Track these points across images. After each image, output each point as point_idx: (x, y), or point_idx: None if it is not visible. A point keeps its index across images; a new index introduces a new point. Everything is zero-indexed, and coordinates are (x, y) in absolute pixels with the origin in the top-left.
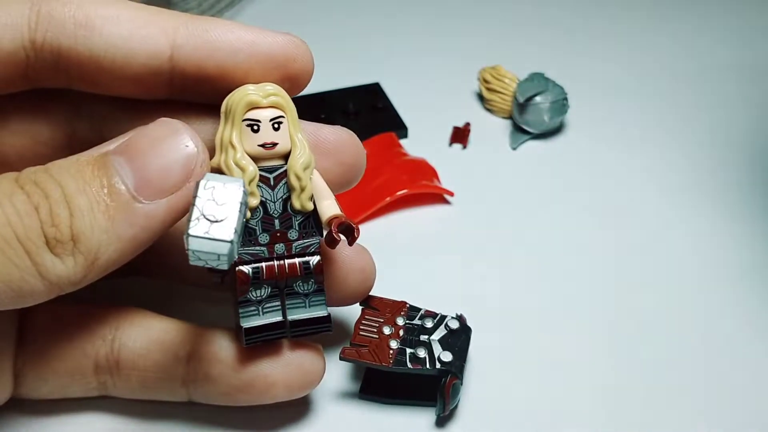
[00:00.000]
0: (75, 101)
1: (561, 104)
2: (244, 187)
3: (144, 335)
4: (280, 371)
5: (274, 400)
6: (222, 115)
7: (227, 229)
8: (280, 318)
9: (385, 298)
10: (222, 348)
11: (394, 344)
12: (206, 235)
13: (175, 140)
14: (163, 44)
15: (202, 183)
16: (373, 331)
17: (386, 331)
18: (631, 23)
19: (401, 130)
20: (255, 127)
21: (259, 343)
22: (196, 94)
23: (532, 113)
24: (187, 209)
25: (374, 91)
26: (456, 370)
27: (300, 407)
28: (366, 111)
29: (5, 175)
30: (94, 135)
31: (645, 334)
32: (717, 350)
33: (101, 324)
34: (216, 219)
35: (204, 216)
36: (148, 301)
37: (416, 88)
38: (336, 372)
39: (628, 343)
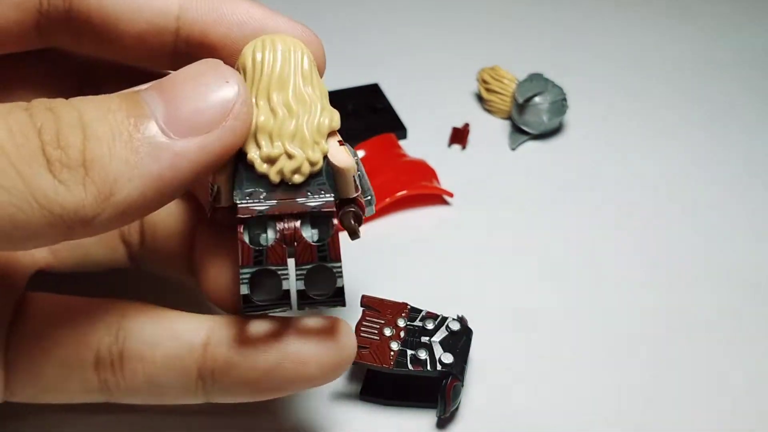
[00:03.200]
0: (82, 75)
1: (560, 105)
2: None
3: (153, 324)
4: (312, 348)
5: (305, 385)
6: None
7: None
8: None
9: (386, 300)
10: (243, 330)
11: (395, 346)
12: None
13: (213, 75)
14: (171, 2)
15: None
16: (374, 333)
17: (387, 332)
18: (629, 23)
19: (400, 130)
20: None
21: (257, 314)
22: None
23: (531, 114)
24: (222, 153)
25: (373, 92)
26: (457, 371)
27: (300, 408)
28: (365, 112)
29: (13, 102)
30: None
31: (646, 335)
32: (719, 351)
33: (106, 312)
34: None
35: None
36: (158, 299)
37: (415, 88)
38: None
39: (629, 343)
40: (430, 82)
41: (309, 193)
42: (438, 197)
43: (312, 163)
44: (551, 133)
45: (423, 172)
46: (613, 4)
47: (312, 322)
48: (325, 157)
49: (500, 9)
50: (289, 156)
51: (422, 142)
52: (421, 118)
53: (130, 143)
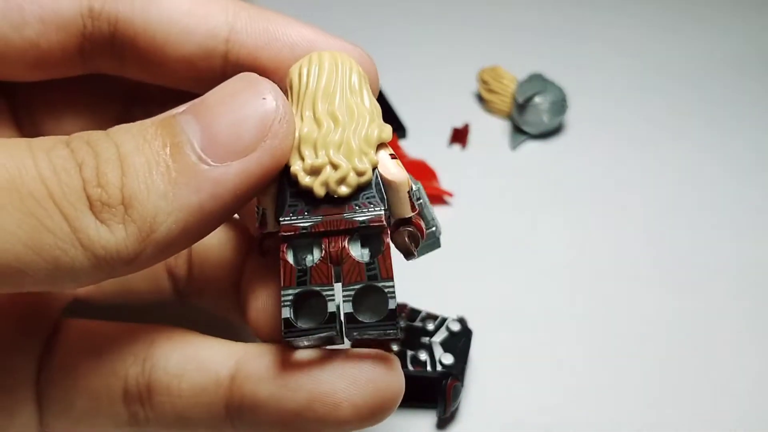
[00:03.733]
0: (130, 98)
1: (560, 105)
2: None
3: (179, 352)
4: (347, 388)
5: (339, 428)
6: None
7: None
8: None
9: None
10: (273, 364)
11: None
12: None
13: (250, 93)
14: (221, 23)
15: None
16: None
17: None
18: (629, 23)
19: (400, 131)
20: None
21: (302, 343)
22: None
23: (531, 114)
24: (264, 175)
25: None
26: (457, 372)
27: None
28: None
29: (56, 136)
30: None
31: (646, 335)
32: (719, 352)
33: (134, 340)
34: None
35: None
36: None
37: (415, 89)
38: None
39: (629, 344)
40: (430, 82)
41: (357, 207)
42: (438, 197)
43: (359, 173)
44: (551, 133)
45: (423, 172)
46: (613, 4)
47: (348, 359)
48: (375, 169)
49: (500, 9)
50: (334, 166)
51: (422, 142)
52: (421, 118)
53: (167, 174)
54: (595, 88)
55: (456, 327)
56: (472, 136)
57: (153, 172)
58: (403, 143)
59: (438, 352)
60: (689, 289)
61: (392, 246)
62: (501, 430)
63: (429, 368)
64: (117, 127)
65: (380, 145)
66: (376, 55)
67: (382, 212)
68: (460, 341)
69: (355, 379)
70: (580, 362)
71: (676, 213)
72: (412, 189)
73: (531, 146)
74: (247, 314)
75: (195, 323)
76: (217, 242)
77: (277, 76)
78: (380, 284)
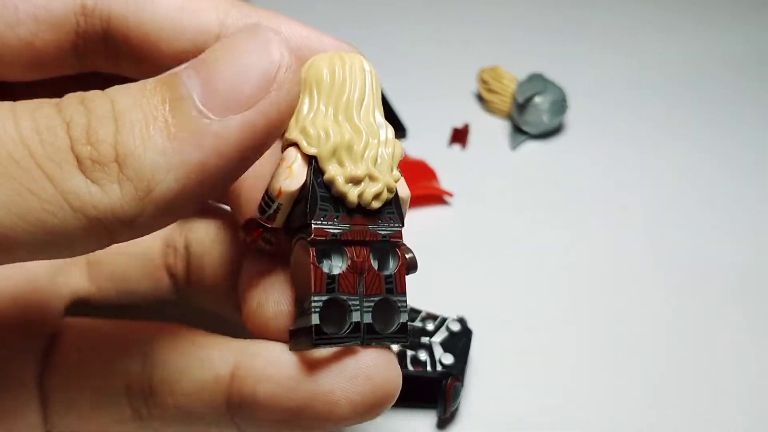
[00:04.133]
0: None
1: (560, 105)
2: None
3: (180, 350)
4: (345, 386)
5: (338, 424)
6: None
7: None
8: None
9: None
10: (271, 362)
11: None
12: None
13: (253, 43)
14: (213, 20)
15: None
16: None
17: None
18: (629, 23)
19: (400, 131)
20: None
21: (328, 346)
22: None
23: (531, 114)
24: (269, 130)
25: None
26: (457, 372)
27: None
28: None
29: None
30: None
31: (646, 336)
32: (719, 352)
33: (136, 338)
34: None
35: None
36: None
37: (415, 89)
38: None
39: (628, 344)
40: (430, 82)
41: (380, 221)
42: (438, 197)
43: (390, 190)
44: (551, 133)
45: (423, 172)
46: (613, 4)
47: (346, 357)
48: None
49: (500, 9)
50: (372, 178)
51: (422, 142)
52: (421, 118)
53: (166, 130)
54: (595, 88)
55: (456, 327)
56: (472, 136)
57: (150, 128)
58: (403, 143)
59: (438, 352)
60: (689, 289)
61: None
62: (501, 430)
63: (429, 368)
64: (115, 86)
65: None
66: (376, 55)
67: (401, 228)
68: (460, 341)
69: (353, 376)
70: (580, 362)
71: (675, 213)
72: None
73: (531, 146)
74: (246, 313)
75: (194, 322)
76: (215, 239)
77: None
78: (395, 298)
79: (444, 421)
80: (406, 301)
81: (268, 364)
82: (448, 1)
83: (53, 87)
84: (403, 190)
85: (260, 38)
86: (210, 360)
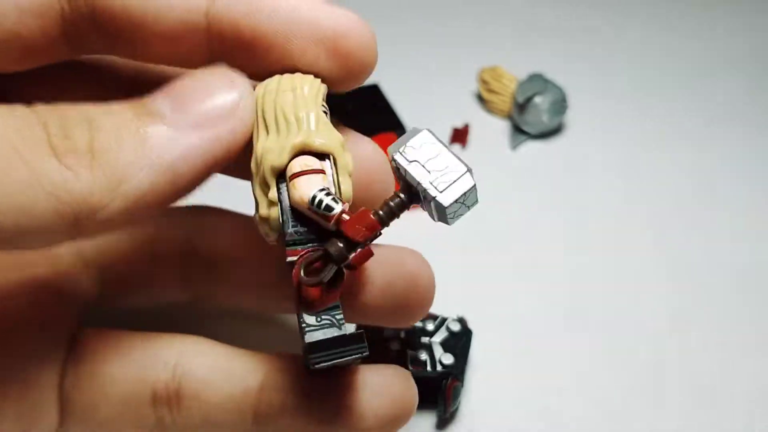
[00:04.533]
0: (129, 90)
1: (560, 105)
2: (427, 130)
3: (210, 361)
4: (368, 400)
5: None
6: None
7: (460, 169)
8: (345, 331)
9: None
10: (299, 377)
11: (394, 346)
12: (454, 195)
13: (219, 77)
14: None
15: (398, 158)
16: (373, 334)
17: (386, 333)
18: (629, 24)
19: (400, 130)
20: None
21: (327, 366)
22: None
23: (531, 114)
24: (232, 147)
25: (373, 92)
26: (457, 372)
27: None
28: (365, 112)
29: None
30: None
31: (646, 337)
32: (724, 353)
33: (163, 347)
34: (440, 169)
35: (433, 185)
36: (215, 334)
37: (415, 89)
38: None
39: (629, 345)
40: (430, 82)
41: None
42: None
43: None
44: (551, 133)
45: None
46: (613, 4)
47: (366, 373)
48: None
49: (500, 9)
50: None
51: None
52: (422, 118)
53: (137, 135)
54: (595, 88)
55: (456, 327)
56: (472, 136)
57: (123, 132)
58: None
59: (438, 352)
60: (691, 289)
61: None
62: (501, 430)
63: (429, 368)
64: (86, 103)
65: None
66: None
67: (293, 247)
68: (460, 341)
69: (377, 391)
70: (581, 362)
71: (676, 212)
72: None
73: (531, 146)
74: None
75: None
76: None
77: (262, 47)
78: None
79: (444, 420)
80: (310, 318)
81: (297, 379)
82: (449, 1)
83: (50, 78)
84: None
85: (227, 74)
86: (240, 371)
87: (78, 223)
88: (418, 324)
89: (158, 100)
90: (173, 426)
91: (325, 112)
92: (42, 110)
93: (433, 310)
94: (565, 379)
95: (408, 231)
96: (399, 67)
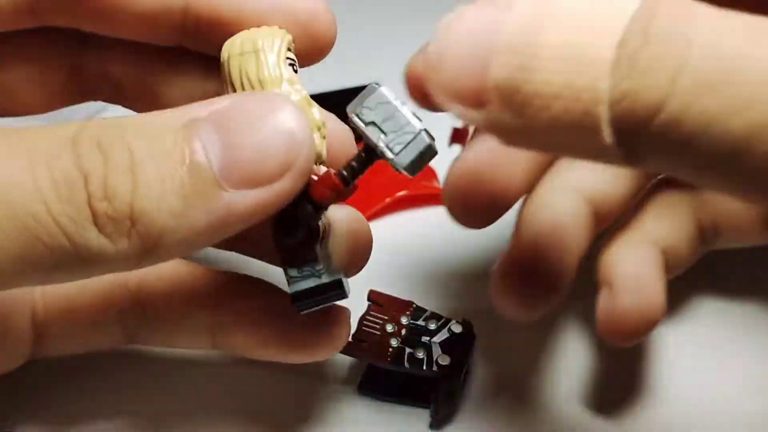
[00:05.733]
0: (83, 50)
1: None
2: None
3: (172, 272)
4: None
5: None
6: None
7: (413, 129)
8: (324, 280)
9: (393, 296)
10: (253, 293)
11: (394, 342)
12: (409, 156)
13: (278, 118)
14: None
15: (355, 120)
16: (376, 328)
17: (389, 328)
18: None
19: None
20: (295, 68)
21: (312, 311)
22: (208, 44)
23: None
24: (279, 205)
25: None
26: (453, 374)
27: (298, 401)
28: None
29: (67, 126)
30: (101, 75)
31: (651, 338)
32: (723, 355)
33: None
34: (395, 130)
35: (389, 147)
36: None
37: None
38: (339, 365)
39: (631, 348)
40: None
41: None
42: (438, 198)
43: None
44: None
45: (423, 172)
46: None
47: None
48: None
49: None
50: None
51: None
52: (421, 118)
53: (181, 191)
54: None
55: (458, 329)
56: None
57: (167, 187)
58: None
59: (436, 352)
60: (693, 289)
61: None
62: None
63: (425, 367)
64: (133, 121)
65: None
66: (375, 55)
67: None
68: (461, 344)
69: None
70: (582, 368)
71: None
72: None
73: None
74: None
75: None
76: None
77: (238, 28)
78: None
79: (438, 422)
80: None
81: (250, 295)
82: (449, 2)
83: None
84: None
85: (282, 113)
86: (198, 284)
87: (98, 273)
88: (421, 323)
89: (208, 137)
90: (138, 330)
91: (291, 64)
92: (86, 151)
93: (441, 311)
94: (565, 384)
95: (408, 233)
96: (399, 66)
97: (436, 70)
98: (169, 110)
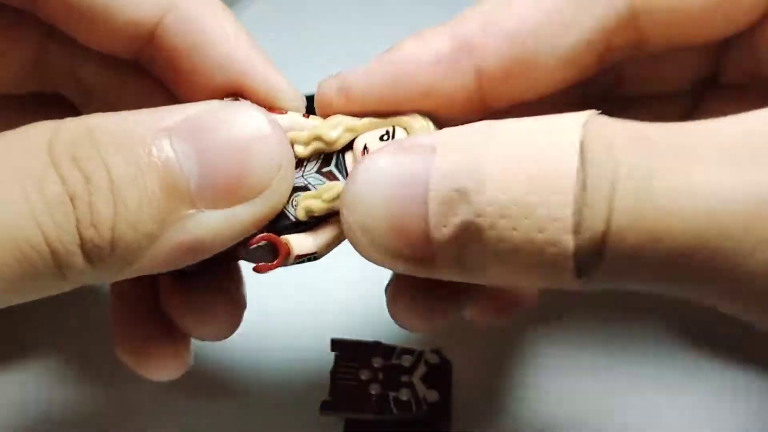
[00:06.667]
0: (45, 38)
1: None
2: None
3: None
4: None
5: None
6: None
7: None
8: None
9: (357, 340)
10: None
11: (374, 389)
12: None
13: (254, 133)
14: (149, 14)
15: None
16: (350, 378)
17: (363, 375)
18: None
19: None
20: None
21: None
22: (161, 72)
23: None
24: (254, 226)
25: None
26: (443, 408)
27: None
28: None
29: (35, 131)
30: (66, 71)
31: (647, 348)
32: (725, 355)
33: None
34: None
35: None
36: None
37: None
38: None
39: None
40: None
41: None
42: None
43: None
44: None
45: None
46: None
47: None
48: None
49: None
50: None
51: None
52: None
53: (158, 214)
54: None
55: (435, 359)
56: None
57: (144, 209)
58: None
59: (421, 389)
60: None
61: None
62: None
63: (414, 409)
64: (102, 128)
65: None
66: (373, 55)
67: None
68: (440, 374)
69: None
70: (568, 381)
71: None
72: None
73: None
74: None
75: None
76: None
77: (199, 82)
78: None
79: None
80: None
81: None
82: (449, 2)
83: None
84: None
85: (264, 131)
86: None
87: (70, 287)
88: (396, 361)
89: (183, 155)
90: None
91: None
92: (66, 172)
93: (407, 343)
94: (557, 398)
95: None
96: None
97: (364, 229)
98: (141, 114)
